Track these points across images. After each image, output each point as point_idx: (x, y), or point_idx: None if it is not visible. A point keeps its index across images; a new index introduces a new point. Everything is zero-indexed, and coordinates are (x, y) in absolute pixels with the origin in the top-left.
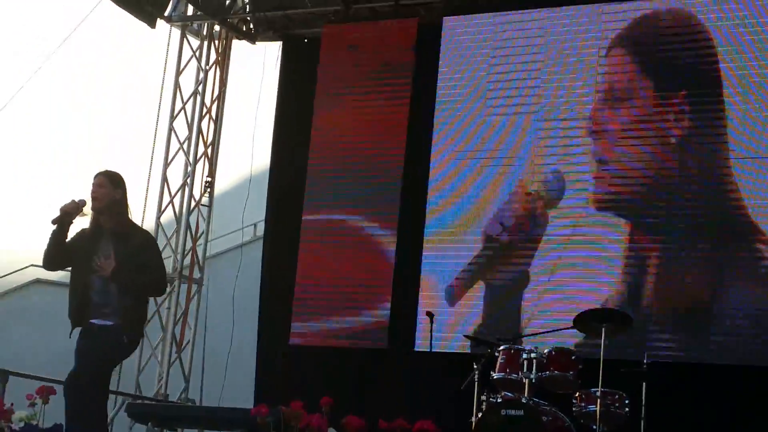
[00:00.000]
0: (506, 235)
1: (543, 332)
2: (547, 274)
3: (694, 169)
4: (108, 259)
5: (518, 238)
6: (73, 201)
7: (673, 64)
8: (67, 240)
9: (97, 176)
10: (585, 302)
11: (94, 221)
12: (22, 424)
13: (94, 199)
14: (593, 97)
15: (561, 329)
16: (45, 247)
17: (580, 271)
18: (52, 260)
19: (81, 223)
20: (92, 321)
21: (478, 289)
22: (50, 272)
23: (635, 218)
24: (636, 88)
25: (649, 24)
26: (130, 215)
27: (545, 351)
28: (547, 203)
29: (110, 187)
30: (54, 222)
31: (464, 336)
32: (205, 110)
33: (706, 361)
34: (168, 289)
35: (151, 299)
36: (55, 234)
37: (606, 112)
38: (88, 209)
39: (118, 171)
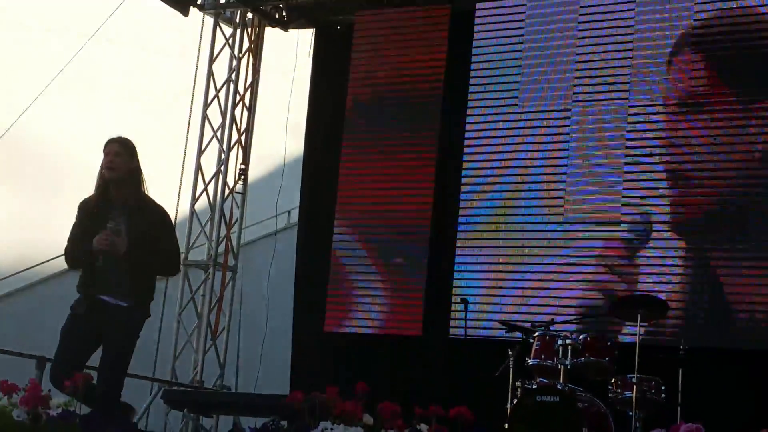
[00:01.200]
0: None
1: (578, 318)
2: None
3: None
4: (120, 236)
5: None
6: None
7: (754, 68)
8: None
9: (109, 144)
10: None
11: (102, 191)
12: (59, 410)
13: (110, 169)
14: (662, 105)
15: (598, 315)
16: (71, 249)
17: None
18: (74, 264)
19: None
20: (103, 297)
21: (513, 275)
22: None
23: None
24: (714, 95)
25: (720, 24)
26: (144, 187)
27: (581, 337)
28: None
29: (126, 156)
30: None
31: (498, 322)
32: (238, 98)
33: (744, 348)
34: (203, 277)
35: (186, 286)
36: (72, 249)
37: (681, 122)
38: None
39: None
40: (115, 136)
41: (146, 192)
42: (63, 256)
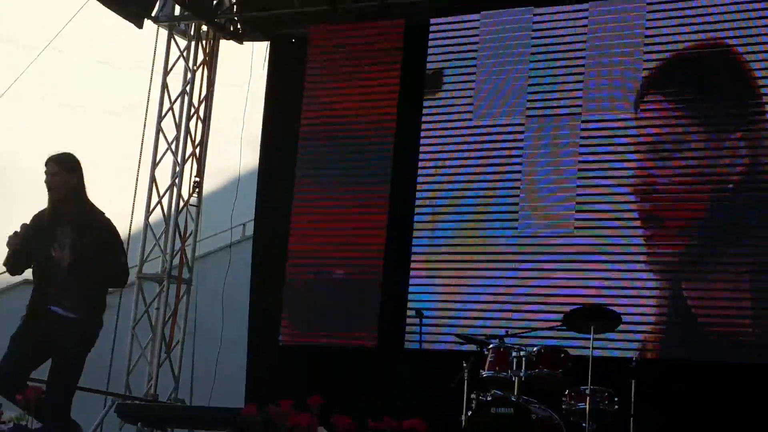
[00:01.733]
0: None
1: (532, 330)
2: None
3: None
4: (64, 250)
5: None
6: (13, 233)
7: (720, 104)
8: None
9: (47, 163)
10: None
11: (52, 212)
12: (11, 425)
13: (49, 189)
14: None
15: (551, 327)
16: (4, 257)
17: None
18: (14, 272)
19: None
20: (53, 308)
21: (468, 287)
22: None
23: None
24: (685, 138)
25: (686, 64)
26: (88, 202)
27: (534, 349)
28: None
29: (64, 174)
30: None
31: (454, 334)
32: (193, 110)
33: (695, 359)
34: (157, 289)
35: (140, 299)
36: (12, 257)
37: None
38: None
39: (71, 153)
40: (54, 153)
41: (91, 204)
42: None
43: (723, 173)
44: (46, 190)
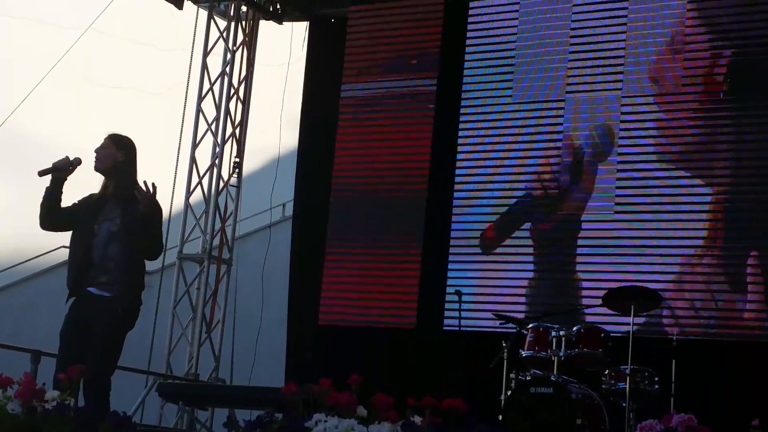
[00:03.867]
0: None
1: (572, 309)
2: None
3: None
4: (114, 220)
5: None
6: (67, 158)
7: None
8: (64, 203)
9: (104, 139)
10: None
11: (103, 187)
12: (54, 404)
13: (96, 159)
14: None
15: (590, 306)
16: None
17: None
18: (45, 219)
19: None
20: (89, 289)
21: (508, 266)
22: None
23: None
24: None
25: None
26: (136, 181)
27: (574, 328)
28: (597, 155)
29: (113, 149)
30: (41, 174)
31: (493, 313)
32: (232, 91)
33: (736, 339)
34: (197, 270)
35: (181, 279)
36: (48, 191)
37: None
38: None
39: (130, 137)
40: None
41: (139, 185)
42: (54, 251)
43: None
44: (89, 170)
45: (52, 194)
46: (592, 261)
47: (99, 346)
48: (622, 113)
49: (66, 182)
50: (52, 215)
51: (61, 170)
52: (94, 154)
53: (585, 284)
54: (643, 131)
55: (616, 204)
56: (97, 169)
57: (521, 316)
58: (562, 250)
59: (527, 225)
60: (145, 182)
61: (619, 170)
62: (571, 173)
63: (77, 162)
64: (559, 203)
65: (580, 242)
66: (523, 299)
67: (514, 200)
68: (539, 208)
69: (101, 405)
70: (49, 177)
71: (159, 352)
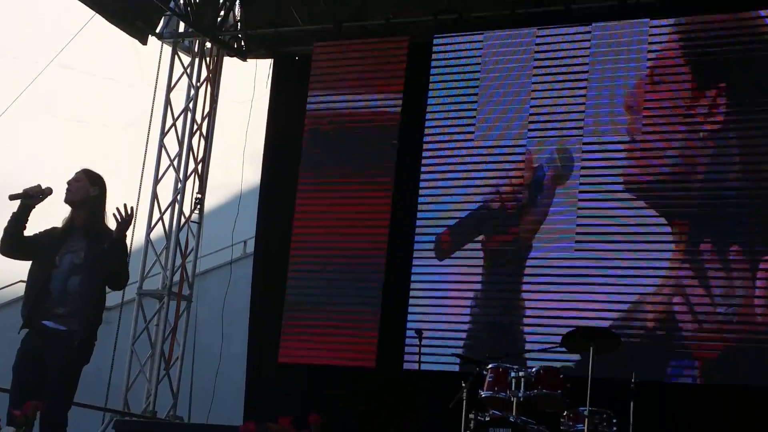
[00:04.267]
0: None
1: (532, 351)
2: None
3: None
4: (77, 253)
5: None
6: (39, 186)
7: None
8: (26, 232)
9: (77, 172)
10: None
11: (68, 220)
12: None
13: (67, 191)
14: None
15: (549, 347)
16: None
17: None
18: (7, 243)
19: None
20: (44, 322)
21: (468, 306)
22: None
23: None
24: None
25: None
26: (105, 219)
27: (533, 370)
28: (557, 177)
29: (87, 183)
30: (11, 198)
31: (452, 354)
32: (195, 127)
33: (697, 381)
34: (157, 306)
35: (140, 315)
36: (14, 216)
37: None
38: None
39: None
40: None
41: (106, 223)
42: (16, 284)
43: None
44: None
45: (18, 220)
46: (550, 290)
47: (54, 381)
48: (583, 152)
49: (33, 210)
50: (15, 241)
51: (32, 197)
52: (66, 186)
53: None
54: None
55: (577, 242)
56: (68, 200)
57: (480, 356)
58: (514, 270)
59: (480, 237)
60: (125, 205)
61: (579, 200)
62: (531, 192)
63: (48, 191)
64: (515, 220)
65: (540, 271)
66: (482, 339)
67: (474, 207)
68: (494, 221)
69: None
70: (16, 203)
71: (117, 389)
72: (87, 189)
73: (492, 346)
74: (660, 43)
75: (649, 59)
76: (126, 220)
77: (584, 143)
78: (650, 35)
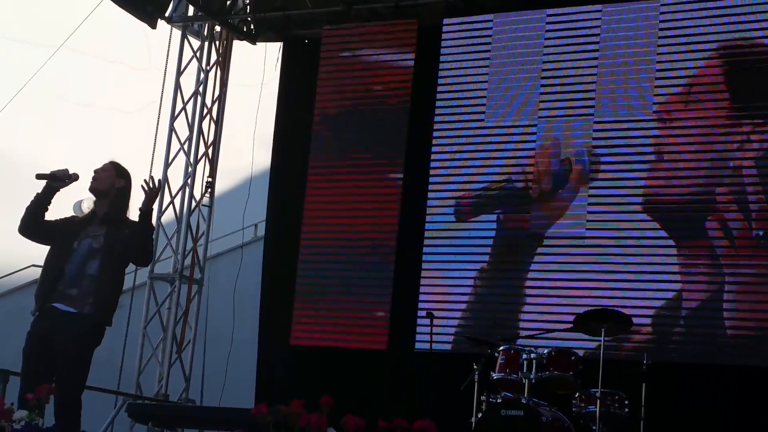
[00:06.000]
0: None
1: (543, 332)
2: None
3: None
4: (97, 238)
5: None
6: (66, 170)
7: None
8: (48, 216)
9: (105, 163)
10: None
11: (91, 211)
12: (23, 424)
13: (94, 179)
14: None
15: (561, 329)
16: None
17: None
18: (27, 225)
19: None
20: (56, 305)
21: (479, 289)
22: None
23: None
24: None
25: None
26: (127, 212)
27: (545, 351)
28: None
29: (113, 174)
30: (38, 177)
31: (464, 336)
32: (205, 111)
33: (708, 362)
34: (168, 289)
35: (152, 299)
36: (38, 196)
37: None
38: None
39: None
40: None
41: (128, 215)
42: (24, 270)
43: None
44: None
45: (41, 200)
46: (561, 278)
47: (66, 364)
48: (594, 138)
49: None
50: (35, 221)
51: (58, 179)
52: (93, 174)
53: (557, 307)
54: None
55: (588, 222)
56: (93, 188)
57: (493, 338)
58: (528, 252)
59: (498, 211)
60: (152, 177)
61: (591, 187)
62: (554, 182)
63: (75, 177)
64: (536, 205)
65: (552, 259)
66: (494, 321)
67: (492, 180)
68: (515, 200)
69: (71, 425)
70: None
71: (129, 372)
72: (113, 180)
73: (504, 329)
74: (672, 20)
75: (659, 37)
76: (153, 191)
77: (595, 122)
78: (661, 13)
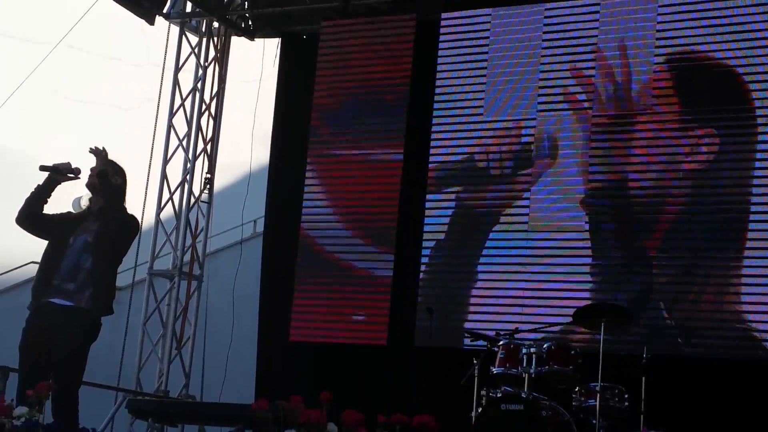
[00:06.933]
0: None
1: (543, 327)
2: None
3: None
4: (92, 232)
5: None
6: (69, 164)
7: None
8: (47, 211)
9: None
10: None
11: (87, 207)
12: (23, 420)
13: (90, 176)
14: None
15: (561, 324)
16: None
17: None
18: (25, 216)
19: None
20: (52, 300)
21: (479, 284)
22: None
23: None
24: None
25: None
26: (124, 209)
27: (545, 346)
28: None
29: (110, 171)
30: (41, 169)
31: (464, 330)
32: (204, 107)
33: (706, 356)
34: (168, 286)
35: (151, 295)
36: (38, 188)
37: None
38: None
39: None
40: None
41: (125, 209)
42: (23, 267)
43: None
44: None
45: (41, 192)
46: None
47: (62, 359)
48: (592, 132)
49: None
50: (33, 212)
51: (60, 173)
52: (89, 171)
53: (556, 301)
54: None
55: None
56: (89, 184)
57: (492, 333)
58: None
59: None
60: (96, 147)
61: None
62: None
63: (77, 172)
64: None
65: (553, 252)
66: (495, 315)
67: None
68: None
69: (70, 421)
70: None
71: (129, 368)
72: (109, 176)
73: (503, 323)
74: (670, 14)
75: (658, 30)
76: (102, 154)
77: (594, 116)
78: (660, 5)
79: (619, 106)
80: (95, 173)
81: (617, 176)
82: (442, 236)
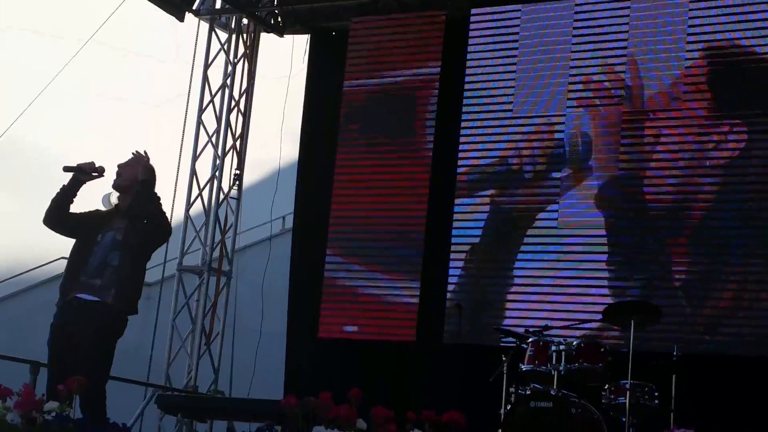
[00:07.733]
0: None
1: (572, 325)
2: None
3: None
4: (120, 230)
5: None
6: (93, 163)
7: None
8: (72, 210)
9: (129, 158)
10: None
11: (116, 205)
12: (53, 415)
13: (118, 174)
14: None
15: (590, 321)
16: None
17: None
18: (51, 216)
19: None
20: (79, 295)
21: (508, 281)
22: None
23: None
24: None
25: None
26: (152, 201)
27: (574, 343)
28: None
29: (137, 167)
30: (65, 169)
31: (493, 328)
32: (233, 103)
33: (737, 354)
34: (197, 282)
35: (180, 291)
36: (64, 188)
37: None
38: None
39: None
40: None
41: (154, 204)
42: (53, 262)
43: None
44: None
45: (67, 192)
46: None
47: (89, 354)
48: (623, 128)
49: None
50: (60, 212)
51: (85, 172)
52: (116, 169)
53: (585, 298)
54: (642, 146)
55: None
56: (117, 185)
57: (521, 330)
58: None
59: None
60: (139, 152)
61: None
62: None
63: (101, 170)
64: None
65: (579, 248)
66: (524, 312)
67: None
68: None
69: (98, 416)
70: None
71: (158, 364)
72: (135, 172)
73: (533, 319)
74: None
75: (689, 26)
76: (142, 158)
77: (624, 112)
78: (690, 2)
79: (649, 101)
80: (137, 180)
81: (646, 173)
82: (474, 238)
